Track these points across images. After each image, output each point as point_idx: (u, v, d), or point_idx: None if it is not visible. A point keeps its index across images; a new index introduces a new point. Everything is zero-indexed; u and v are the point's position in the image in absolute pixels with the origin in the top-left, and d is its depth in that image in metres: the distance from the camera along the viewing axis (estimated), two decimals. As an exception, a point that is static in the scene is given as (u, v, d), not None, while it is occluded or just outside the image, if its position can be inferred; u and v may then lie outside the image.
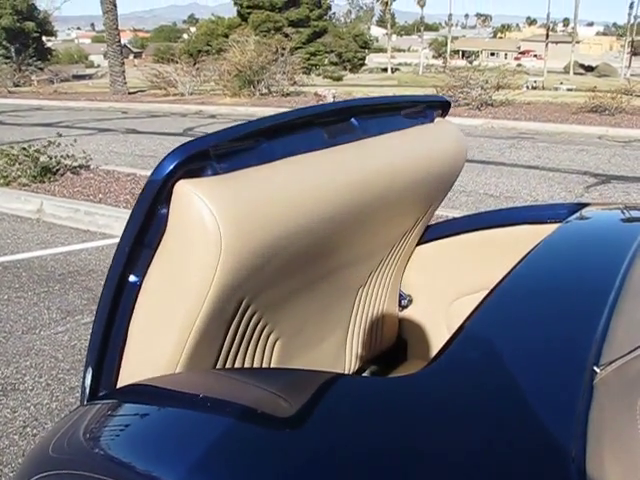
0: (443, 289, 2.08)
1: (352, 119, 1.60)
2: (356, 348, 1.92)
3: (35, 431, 2.81)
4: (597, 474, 0.81)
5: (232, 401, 1.12)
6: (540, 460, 0.84)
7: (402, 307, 2.12)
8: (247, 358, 1.52)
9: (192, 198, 1.21)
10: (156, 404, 1.22)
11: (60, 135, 7.94)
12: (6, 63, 30.90)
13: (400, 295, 2.13)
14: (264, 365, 1.58)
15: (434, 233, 2.09)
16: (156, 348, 1.33)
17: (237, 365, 1.49)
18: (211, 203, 1.20)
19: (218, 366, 1.42)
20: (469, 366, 1.06)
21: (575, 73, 44.70)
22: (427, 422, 0.94)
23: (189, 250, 1.25)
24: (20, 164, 7.39)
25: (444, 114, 1.98)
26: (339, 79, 33.67)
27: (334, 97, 17.74)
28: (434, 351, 2.14)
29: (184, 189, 1.22)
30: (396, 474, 0.85)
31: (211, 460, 0.95)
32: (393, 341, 2.03)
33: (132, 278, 1.32)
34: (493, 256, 1.98)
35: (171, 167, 1.20)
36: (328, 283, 1.70)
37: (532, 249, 1.50)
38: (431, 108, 1.92)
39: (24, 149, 7.59)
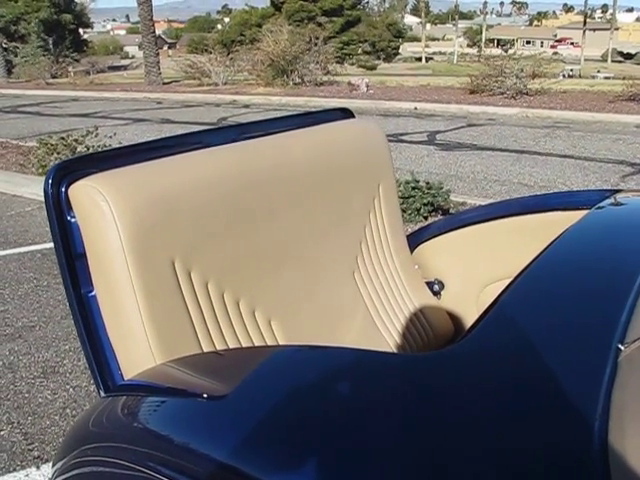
0: (475, 275, 2.10)
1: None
2: (379, 334, 1.94)
3: (74, 412, 2.89)
4: (619, 448, 0.83)
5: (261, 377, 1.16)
6: (564, 435, 0.86)
7: (434, 293, 2.15)
8: (244, 342, 1.54)
9: (83, 190, 1.34)
10: (182, 385, 1.27)
11: (96, 127, 8.05)
12: (44, 55, 31.31)
13: (431, 282, 2.15)
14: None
15: (465, 219, 2.11)
16: (131, 345, 1.38)
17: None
18: (95, 184, 1.33)
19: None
20: (497, 343, 1.08)
21: (613, 61, 43.92)
22: (455, 399, 0.97)
23: (95, 236, 1.35)
24: (58, 154, 7.52)
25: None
26: (373, 68, 33.56)
27: (367, 86, 17.72)
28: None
29: (77, 189, 1.35)
30: (422, 453, 0.88)
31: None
32: (423, 326, 2.05)
33: (84, 291, 1.41)
34: (525, 242, 1.99)
35: (57, 173, 1.35)
36: (305, 260, 1.75)
37: (562, 233, 1.51)
38: (332, 114, 2.14)
39: (62, 139, 7.72)
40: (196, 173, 1.50)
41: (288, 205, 1.70)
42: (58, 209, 1.35)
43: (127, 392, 1.31)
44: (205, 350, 1.42)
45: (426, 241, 2.17)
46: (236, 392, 1.12)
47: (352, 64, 34.56)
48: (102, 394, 1.39)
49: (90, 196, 1.32)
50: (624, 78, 16.20)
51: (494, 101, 14.94)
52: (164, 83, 23.09)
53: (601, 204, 1.79)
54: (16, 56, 32.21)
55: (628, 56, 50.22)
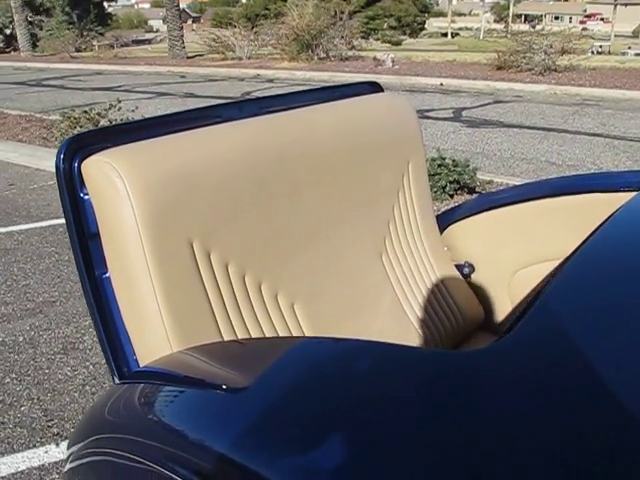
0: (506, 258, 2.01)
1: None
2: (406, 319, 1.87)
3: (94, 389, 2.86)
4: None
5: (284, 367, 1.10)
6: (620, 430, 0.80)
7: (464, 276, 2.07)
8: (265, 328, 1.47)
9: (96, 166, 1.27)
10: (201, 375, 1.21)
11: (119, 101, 8.00)
12: (68, 29, 31.31)
13: (461, 264, 2.07)
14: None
15: (497, 200, 2.02)
16: (146, 330, 1.32)
17: (257, 335, 1.45)
18: (109, 159, 1.26)
19: (230, 337, 1.39)
20: (545, 338, 1.00)
21: (644, 37, 42.97)
22: (505, 401, 0.90)
23: (109, 215, 1.28)
24: (81, 127, 7.48)
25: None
26: (398, 44, 33.17)
27: (393, 62, 17.50)
28: (496, 322, 2.09)
29: (90, 164, 1.27)
30: (468, 461, 0.81)
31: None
32: (452, 311, 1.98)
33: (98, 273, 1.34)
34: (560, 225, 1.91)
35: (69, 148, 1.27)
36: (330, 242, 1.68)
37: (610, 216, 1.42)
38: (360, 88, 2.04)
39: (85, 112, 7.69)
40: (216, 149, 1.43)
41: (313, 183, 1.63)
42: (70, 185, 1.28)
43: (142, 380, 1.25)
44: (224, 336, 1.36)
45: (456, 222, 2.08)
46: (256, 385, 1.06)
47: (377, 39, 34.17)
48: (116, 380, 1.33)
49: (104, 172, 1.25)
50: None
51: (521, 77, 14.68)
52: (188, 57, 22.99)
53: None
54: (41, 29, 32.24)
55: (659, 32, 49.17)
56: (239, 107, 1.67)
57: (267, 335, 1.46)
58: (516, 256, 2.00)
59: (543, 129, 9.30)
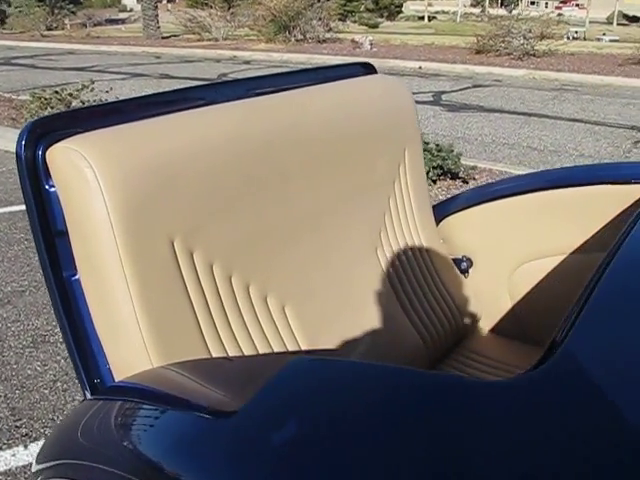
0: (507, 253, 1.90)
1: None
2: (403, 317, 1.75)
3: (65, 386, 2.71)
4: None
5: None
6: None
7: (462, 271, 1.95)
8: (254, 334, 1.33)
9: (63, 154, 1.13)
10: (184, 394, 1.07)
11: (92, 82, 7.76)
12: (39, 6, 30.59)
13: (458, 259, 1.95)
14: (288, 344, 1.40)
15: (497, 191, 1.90)
16: (122, 340, 1.18)
17: (246, 343, 1.31)
18: (78, 146, 1.12)
19: (216, 347, 1.25)
20: (601, 358, 0.88)
21: (618, 24, 43.13)
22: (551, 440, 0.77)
23: (78, 210, 1.14)
24: (52, 108, 7.24)
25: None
26: (375, 26, 32.88)
27: (371, 44, 17.33)
28: (495, 319, 1.98)
29: (56, 152, 1.13)
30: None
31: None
32: (450, 308, 1.86)
33: (66, 274, 1.20)
34: (565, 219, 1.80)
35: (32, 132, 1.13)
36: (321, 236, 1.54)
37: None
38: (352, 69, 1.89)
39: (56, 92, 7.44)
40: (198, 135, 1.28)
41: (304, 173, 1.49)
42: (33, 176, 1.13)
43: (117, 396, 1.11)
44: (209, 344, 1.22)
45: (453, 214, 1.96)
46: (246, 409, 0.92)
47: (354, 22, 33.87)
48: (88, 395, 1.19)
49: (72, 161, 1.11)
50: (633, 42, 15.81)
51: (500, 62, 14.58)
52: (163, 37, 22.56)
53: None
54: (9, 6, 31.46)
55: (634, 19, 49.36)
56: (223, 88, 1.53)
57: (256, 341, 1.32)
58: (517, 251, 1.88)
59: (523, 114, 9.22)
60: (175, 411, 0.99)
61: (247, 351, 1.29)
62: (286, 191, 1.44)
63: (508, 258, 1.90)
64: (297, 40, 18.93)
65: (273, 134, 1.42)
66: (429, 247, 1.84)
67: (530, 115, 9.15)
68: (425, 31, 27.50)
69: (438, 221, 1.95)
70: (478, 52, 15.85)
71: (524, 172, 6.14)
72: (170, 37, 22.80)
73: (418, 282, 1.78)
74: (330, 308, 1.52)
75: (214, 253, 1.25)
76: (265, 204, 1.38)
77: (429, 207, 1.90)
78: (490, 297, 1.94)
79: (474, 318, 1.92)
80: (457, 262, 1.94)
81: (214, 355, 1.22)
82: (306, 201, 1.49)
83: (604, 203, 1.63)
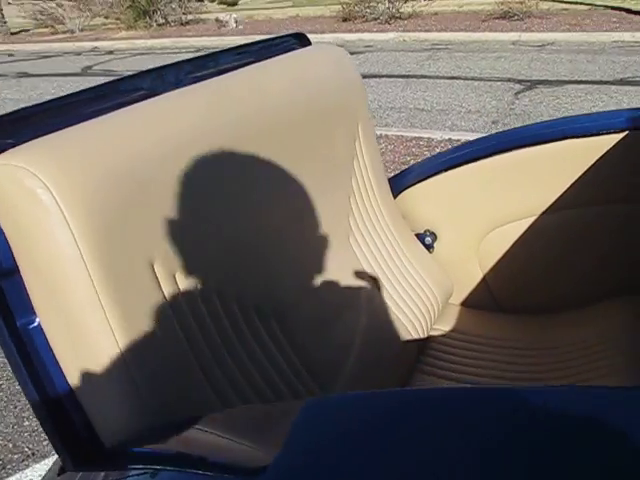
0: (473, 222, 1.78)
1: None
2: (386, 305, 1.61)
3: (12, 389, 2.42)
4: None
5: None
6: None
7: (427, 247, 1.82)
8: (249, 361, 1.15)
9: (5, 174, 0.89)
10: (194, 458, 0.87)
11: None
12: None
13: (421, 234, 1.82)
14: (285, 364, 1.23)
15: (457, 158, 1.77)
16: (105, 392, 0.97)
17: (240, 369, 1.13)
18: (23, 162, 0.89)
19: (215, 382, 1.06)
20: None
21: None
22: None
23: (35, 242, 0.91)
24: None
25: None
26: (234, 4, 32.38)
27: (236, 22, 16.99)
28: (467, 293, 1.87)
29: None
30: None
31: None
32: (422, 286, 1.73)
33: (23, 321, 0.95)
34: (531, 179, 1.70)
35: None
36: (296, 235, 1.37)
37: None
38: (287, 41, 1.72)
39: None
40: (161, 132, 1.06)
41: (267, 166, 1.30)
42: None
43: (111, 466, 0.89)
44: (207, 380, 1.02)
45: (410, 187, 1.82)
46: (276, 465, 0.74)
47: (212, 1, 33.24)
48: (69, 467, 0.95)
49: (17, 181, 0.87)
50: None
51: (369, 27, 14.64)
52: (12, 33, 21.22)
53: None
54: None
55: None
56: (159, 75, 1.30)
57: (250, 367, 1.13)
58: (485, 218, 1.77)
59: (402, 76, 9.27)
60: (196, 474, 0.79)
61: (244, 376, 1.10)
62: (252, 189, 1.24)
63: (474, 227, 1.78)
64: (159, 25, 18.28)
65: (238, 124, 1.22)
66: (394, 226, 1.69)
67: (409, 77, 9.19)
68: (284, 4, 27.31)
69: (395, 196, 1.81)
70: (345, 20, 15.84)
71: (420, 135, 6.16)
72: (20, 32, 21.51)
73: (391, 266, 1.63)
74: (316, 315, 1.35)
75: (196, 272, 1.05)
76: (234, 206, 1.19)
77: (387, 183, 1.75)
78: (460, 270, 1.83)
79: (446, 294, 1.80)
80: (420, 238, 1.81)
81: (213, 385, 1.03)
82: (273, 198, 1.30)
83: (572, 159, 1.54)
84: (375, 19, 15.02)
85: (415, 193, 1.82)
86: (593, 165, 1.59)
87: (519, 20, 13.72)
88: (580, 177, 1.61)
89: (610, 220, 1.69)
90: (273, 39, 1.68)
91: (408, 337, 1.60)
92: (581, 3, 15.22)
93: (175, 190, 1.01)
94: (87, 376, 0.94)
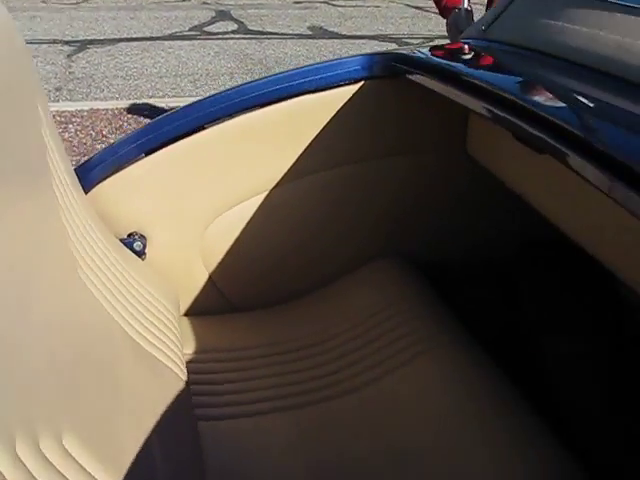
0: (189, 213, 1.46)
1: None
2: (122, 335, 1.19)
3: None
4: None
5: None
6: None
7: (137, 254, 1.43)
8: None
9: None
10: None
11: None
12: None
13: (126, 240, 1.43)
14: None
15: (158, 138, 1.41)
16: None
17: None
18: None
19: None
20: None
21: None
22: None
23: None
24: None
25: None
26: None
27: None
28: (190, 301, 1.54)
29: None
30: None
31: None
32: (145, 306, 1.34)
33: None
34: (260, 148, 1.44)
35: None
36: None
37: None
38: None
39: None
40: None
41: None
42: None
43: None
44: None
45: (100, 182, 1.41)
46: None
47: None
48: None
49: None
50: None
51: None
52: None
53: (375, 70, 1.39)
54: None
55: None
56: None
57: None
58: (201, 207, 1.46)
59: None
60: None
61: None
62: None
63: (191, 220, 1.45)
64: None
65: None
66: (102, 236, 1.26)
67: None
68: None
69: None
70: None
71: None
72: None
73: (120, 288, 1.21)
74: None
75: None
76: None
77: (77, 180, 1.30)
78: (180, 274, 1.48)
79: (166, 309, 1.43)
80: (128, 244, 1.41)
81: None
82: None
83: (304, 118, 1.34)
84: None
85: (110, 188, 1.40)
86: (330, 121, 1.41)
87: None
88: (318, 135, 1.42)
89: (360, 179, 1.54)
90: None
91: (167, 375, 1.21)
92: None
93: None
94: None
